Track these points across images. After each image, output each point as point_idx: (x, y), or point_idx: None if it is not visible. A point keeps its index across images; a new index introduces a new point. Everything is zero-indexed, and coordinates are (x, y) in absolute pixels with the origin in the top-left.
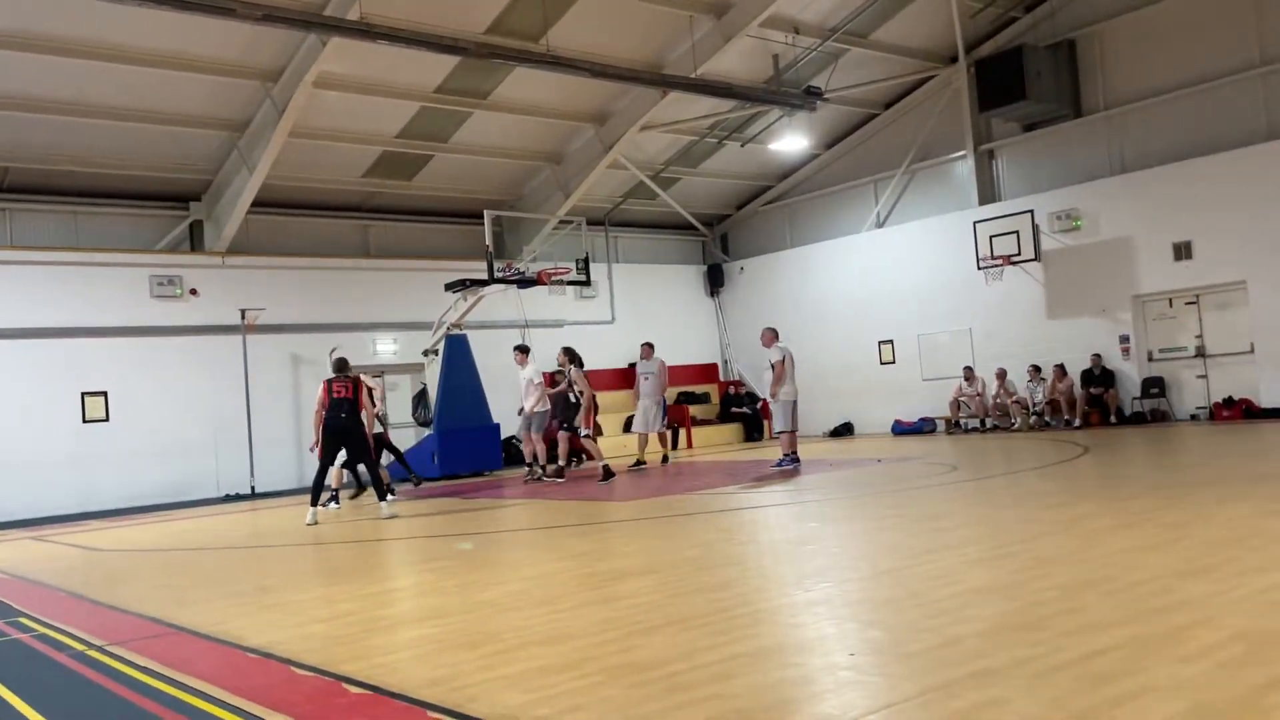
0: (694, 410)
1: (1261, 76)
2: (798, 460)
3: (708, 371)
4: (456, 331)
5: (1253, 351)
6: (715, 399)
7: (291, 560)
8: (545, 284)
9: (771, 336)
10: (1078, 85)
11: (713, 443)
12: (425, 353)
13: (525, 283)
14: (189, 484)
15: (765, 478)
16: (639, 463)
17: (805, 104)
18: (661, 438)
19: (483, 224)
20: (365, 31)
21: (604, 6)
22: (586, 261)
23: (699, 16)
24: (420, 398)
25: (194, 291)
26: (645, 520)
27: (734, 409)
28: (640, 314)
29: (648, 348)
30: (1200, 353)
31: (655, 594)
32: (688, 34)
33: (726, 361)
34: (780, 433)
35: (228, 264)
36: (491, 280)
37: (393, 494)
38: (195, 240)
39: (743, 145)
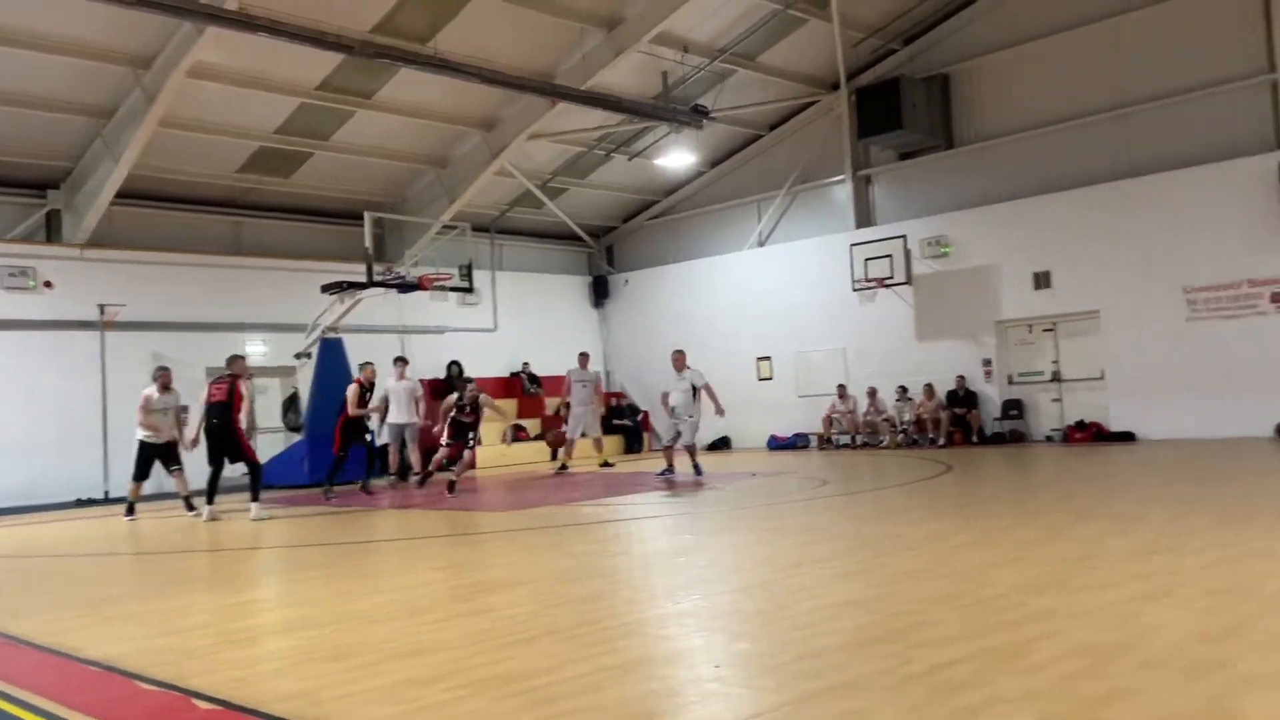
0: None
1: (1116, 118)
2: (673, 471)
3: None
4: (332, 335)
5: (1104, 378)
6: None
7: (146, 569)
8: (427, 289)
9: (683, 359)
10: (950, 118)
11: (594, 454)
12: (298, 356)
13: (406, 287)
14: (37, 488)
15: (668, 488)
16: (563, 467)
17: (692, 121)
18: (597, 443)
19: (363, 225)
20: (245, 23)
21: (495, 13)
22: (470, 268)
23: (590, 29)
24: (291, 402)
25: (48, 284)
26: (520, 531)
27: (615, 421)
28: (524, 323)
29: (584, 357)
30: (1056, 377)
31: (527, 605)
32: (579, 45)
33: (609, 373)
34: (668, 446)
35: (86, 256)
36: (370, 284)
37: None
38: (52, 230)
39: (630, 159)
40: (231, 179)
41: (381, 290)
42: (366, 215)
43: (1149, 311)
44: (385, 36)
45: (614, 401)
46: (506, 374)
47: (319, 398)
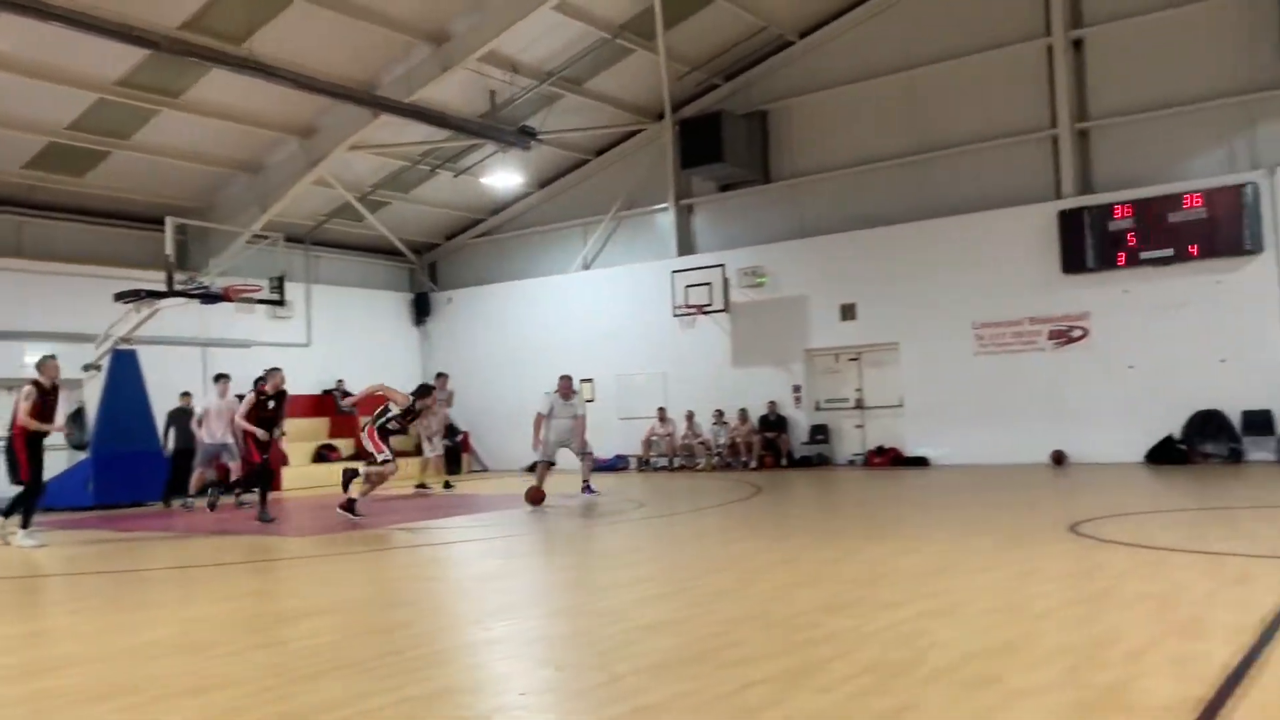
0: (391, 442)
1: (918, 163)
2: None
3: None
4: (125, 346)
5: (902, 405)
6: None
7: None
8: (232, 301)
9: (571, 384)
10: (767, 153)
11: (411, 476)
12: (86, 368)
13: (209, 298)
14: None
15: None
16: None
17: (519, 142)
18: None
19: (164, 231)
20: (40, 11)
21: (316, 18)
22: (282, 280)
23: (417, 43)
24: (76, 417)
25: None
26: (324, 557)
27: (446, 442)
28: (339, 339)
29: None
30: (859, 404)
31: (327, 636)
32: (405, 59)
33: None
34: (549, 463)
35: None
36: (170, 293)
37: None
38: None
39: (456, 176)
40: (17, 176)
41: (182, 300)
42: (168, 220)
43: (942, 344)
44: (196, 34)
45: None
46: (319, 391)
47: (109, 413)
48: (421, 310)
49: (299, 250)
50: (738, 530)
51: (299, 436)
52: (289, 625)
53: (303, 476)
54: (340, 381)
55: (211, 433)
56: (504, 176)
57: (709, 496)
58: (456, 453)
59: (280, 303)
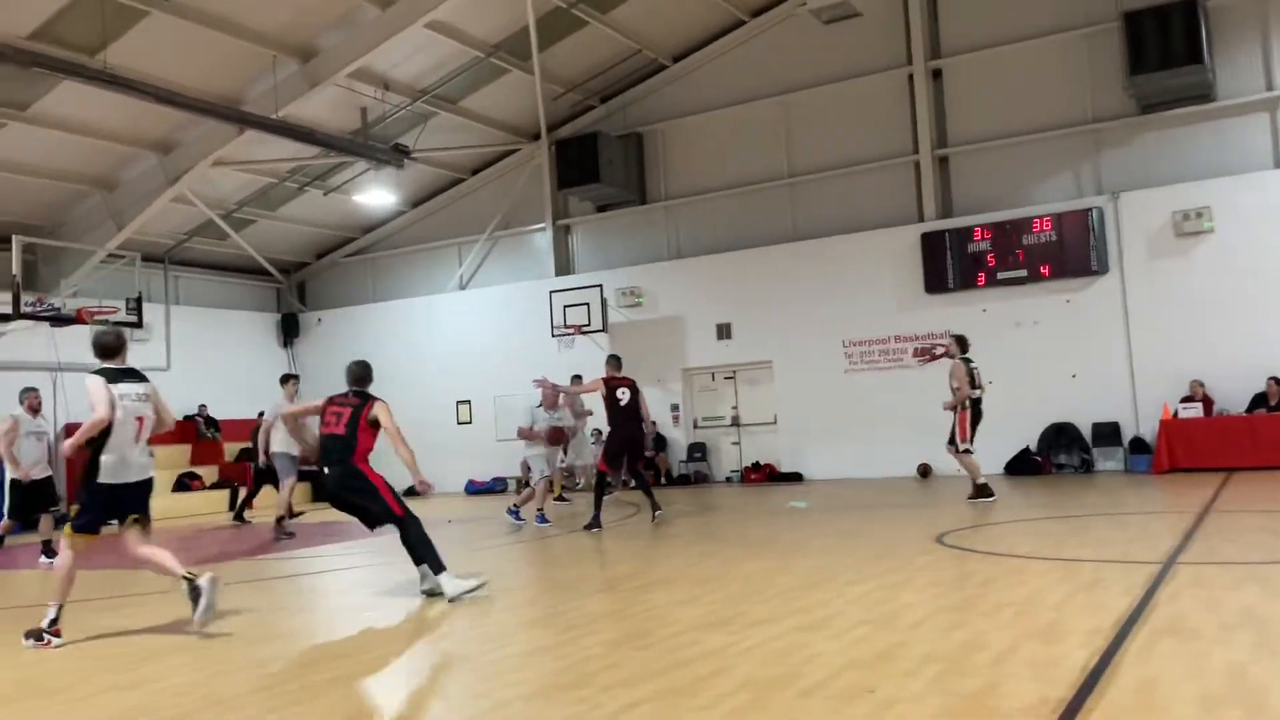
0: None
1: (789, 185)
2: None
3: None
4: None
5: (776, 422)
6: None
7: None
8: (86, 323)
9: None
10: (644, 175)
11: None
12: None
13: (60, 320)
14: None
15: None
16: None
17: (392, 160)
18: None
19: (10, 250)
20: None
21: (176, 30)
22: (139, 301)
23: (283, 58)
24: None
25: None
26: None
27: (303, 467)
28: (202, 362)
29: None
30: (735, 422)
31: (192, 674)
32: (271, 74)
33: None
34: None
35: None
36: (17, 315)
37: None
38: None
39: (326, 194)
40: None
41: (30, 323)
42: (15, 239)
43: (814, 362)
44: (45, 45)
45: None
46: (180, 417)
47: None
48: (290, 331)
49: (158, 270)
50: (616, 551)
51: (159, 465)
52: (152, 662)
53: (163, 508)
54: (203, 406)
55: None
56: (376, 195)
57: (587, 518)
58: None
59: (138, 324)
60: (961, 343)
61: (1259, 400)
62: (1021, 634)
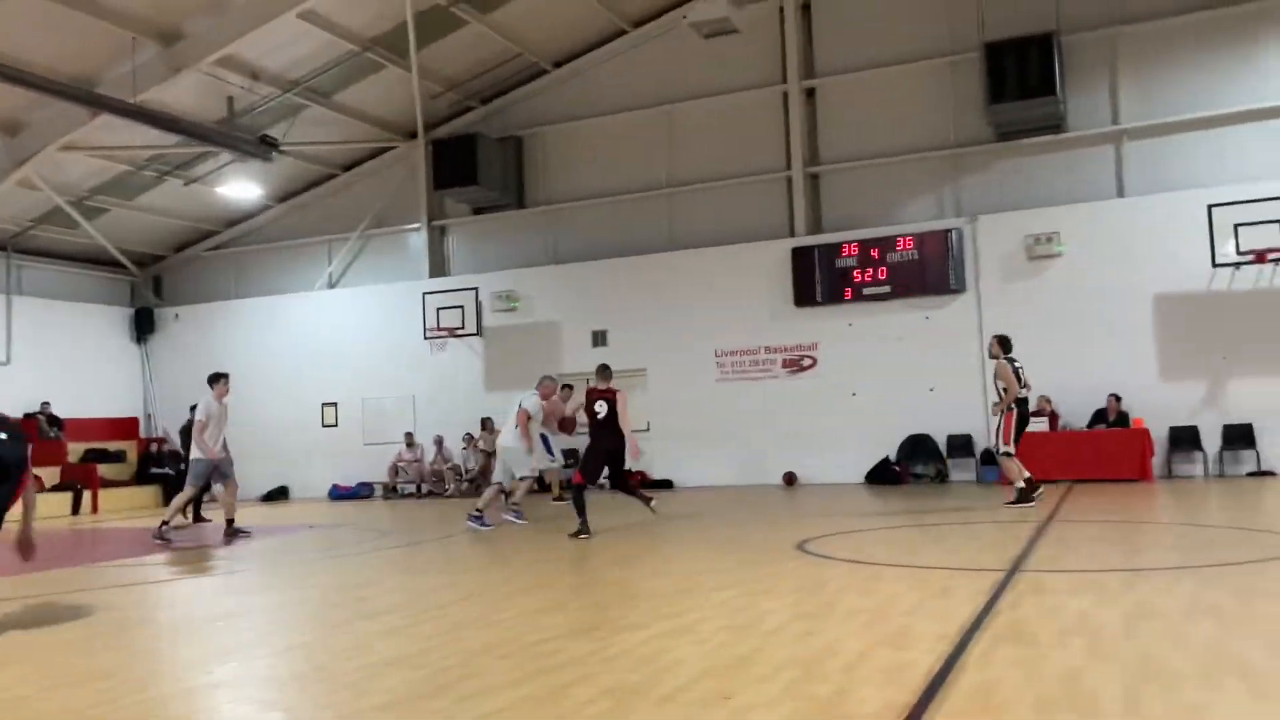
0: (105, 470)
1: (668, 196)
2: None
3: (125, 427)
4: None
5: (649, 430)
6: (133, 457)
7: None
8: None
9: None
10: (523, 178)
11: (127, 506)
12: None
13: None
14: None
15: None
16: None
17: (259, 152)
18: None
19: None
20: None
21: (24, 5)
22: None
23: (144, 40)
24: None
25: None
26: (25, 600)
27: (154, 469)
28: (46, 357)
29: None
30: None
31: (19, 689)
32: (130, 56)
33: (150, 416)
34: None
35: None
36: None
37: None
38: None
39: (187, 184)
40: None
41: None
42: None
43: (687, 371)
44: None
45: (154, 448)
46: (21, 415)
47: None
48: (144, 327)
49: None
50: (485, 557)
51: None
52: None
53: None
54: (45, 404)
55: None
56: (241, 187)
57: (456, 524)
58: (180, 482)
59: None
60: (1004, 343)
61: (1099, 416)
62: (873, 640)
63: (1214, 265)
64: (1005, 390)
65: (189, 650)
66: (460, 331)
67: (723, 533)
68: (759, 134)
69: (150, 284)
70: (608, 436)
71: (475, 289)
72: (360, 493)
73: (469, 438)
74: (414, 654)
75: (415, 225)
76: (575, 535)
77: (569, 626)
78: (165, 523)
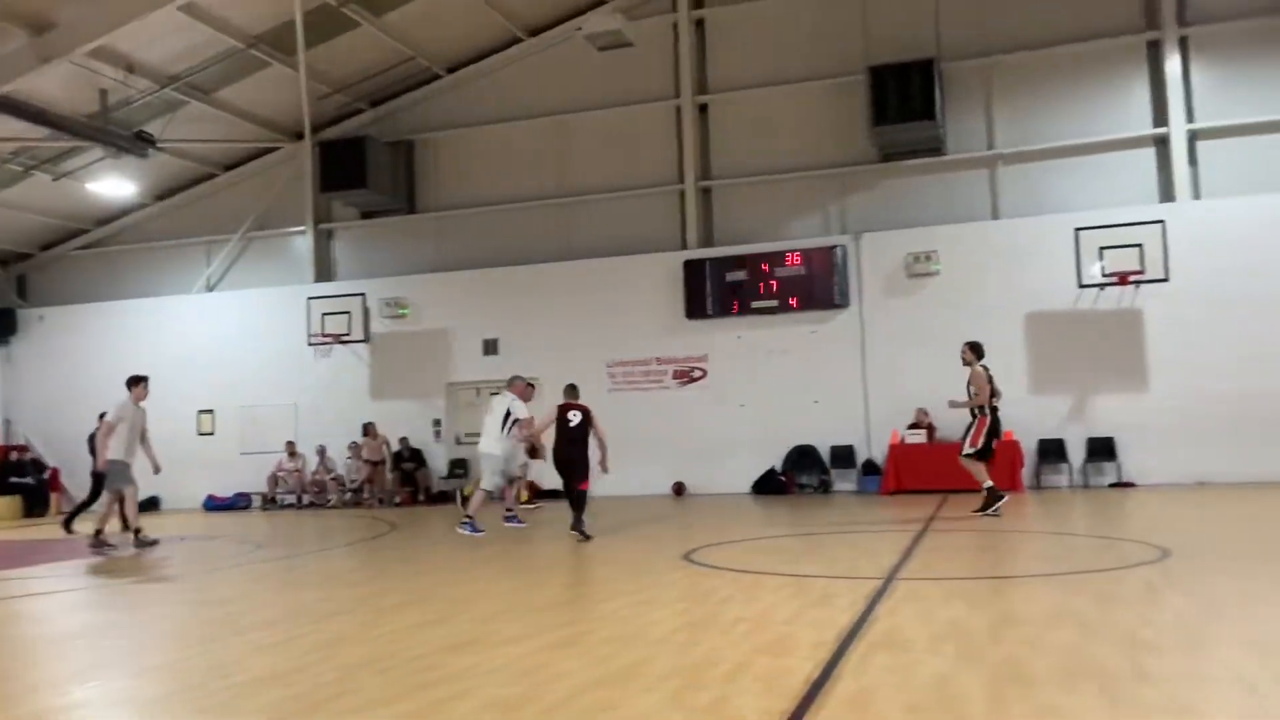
0: None
1: (561, 205)
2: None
3: None
4: None
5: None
6: None
7: None
8: None
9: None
10: (413, 184)
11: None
12: None
13: None
14: None
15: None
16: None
17: (133, 148)
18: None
19: None
20: None
21: None
22: None
23: (10, 28)
24: None
25: None
26: None
27: (13, 479)
28: None
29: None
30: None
31: None
32: None
33: (9, 422)
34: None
35: None
36: None
37: None
38: None
39: (55, 179)
40: None
41: None
42: None
43: (578, 380)
44: None
45: (13, 455)
46: None
47: None
48: (5, 328)
49: None
50: (366, 570)
51: None
52: None
53: None
54: None
55: None
56: (114, 184)
57: (338, 536)
58: (42, 491)
59: None
60: (976, 349)
61: None
62: (754, 649)
63: (1080, 285)
64: (975, 394)
65: (44, 670)
66: (346, 338)
67: (610, 543)
68: (653, 147)
69: (13, 283)
70: (567, 446)
71: (362, 295)
72: (237, 504)
73: (354, 446)
74: (287, 671)
75: (300, 228)
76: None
77: (450, 640)
78: (99, 531)
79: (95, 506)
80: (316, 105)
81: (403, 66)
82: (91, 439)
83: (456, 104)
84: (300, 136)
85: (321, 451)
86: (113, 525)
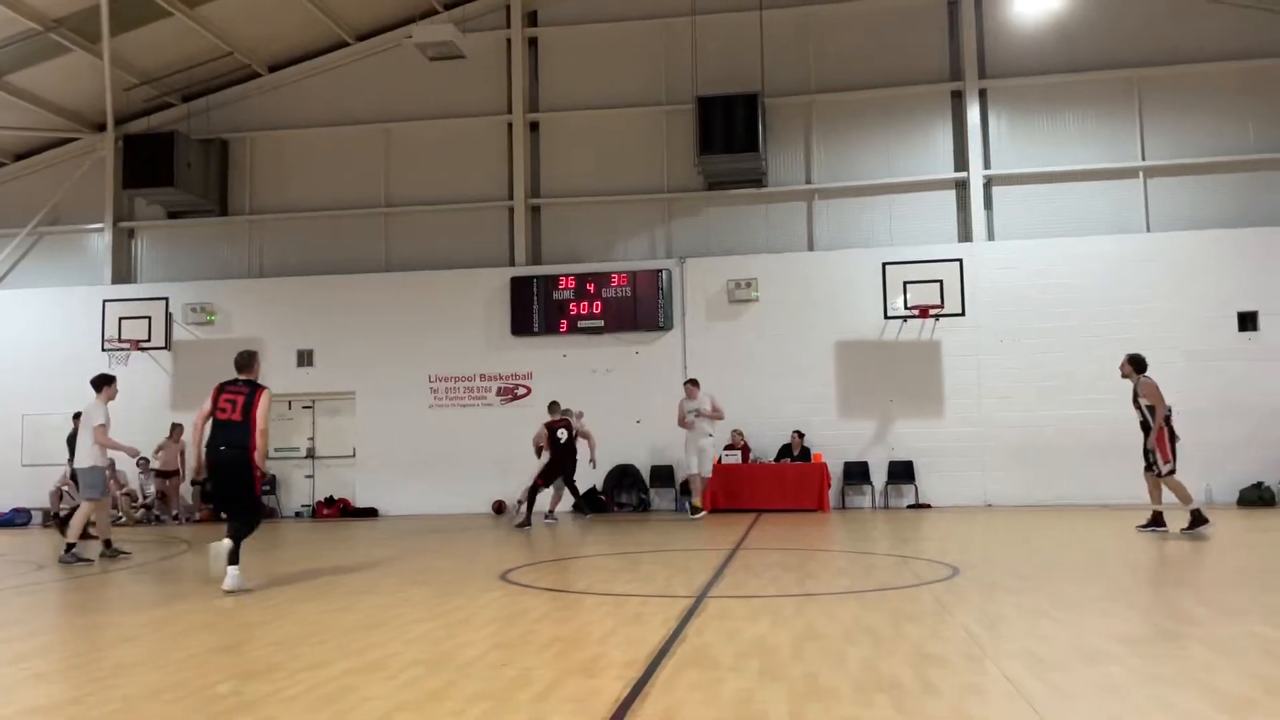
0: None
1: (384, 215)
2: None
3: None
4: None
5: (354, 455)
6: None
7: None
8: None
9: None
10: (226, 185)
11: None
12: None
13: None
14: None
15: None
16: (696, 509)
17: None
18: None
19: None
20: None
21: None
22: None
23: None
24: None
25: None
26: None
27: None
28: None
29: (693, 385)
30: (310, 454)
31: None
32: None
33: None
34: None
35: None
36: None
37: None
38: None
39: None
40: None
41: None
42: None
43: (399, 395)
44: None
45: None
46: None
47: None
48: None
49: None
50: (157, 593)
51: None
52: None
53: None
54: None
55: None
56: None
57: (126, 555)
58: None
59: None
60: (1136, 363)
61: (785, 450)
62: (566, 668)
63: (886, 317)
64: (1152, 408)
65: None
66: (145, 344)
67: (425, 563)
68: (483, 162)
69: None
70: (565, 459)
71: (165, 299)
72: (15, 520)
73: (144, 462)
74: (65, 702)
75: (98, 225)
76: (519, 527)
77: (246, 666)
78: (71, 545)
79: (75, 518)
80: (121, 96)
81: (219, 62)
82: (71, 439)
83: (277, 104)
84: (102, 128)
85: (111, 465)
86: (74, 536)
